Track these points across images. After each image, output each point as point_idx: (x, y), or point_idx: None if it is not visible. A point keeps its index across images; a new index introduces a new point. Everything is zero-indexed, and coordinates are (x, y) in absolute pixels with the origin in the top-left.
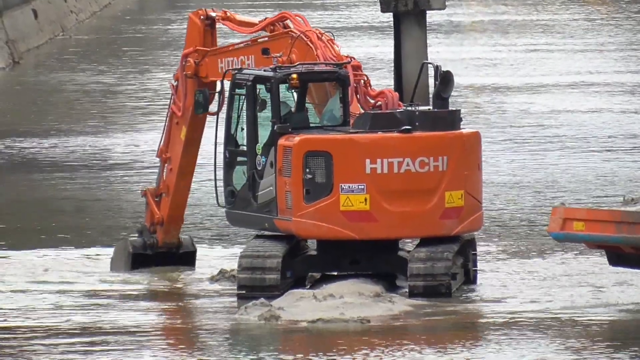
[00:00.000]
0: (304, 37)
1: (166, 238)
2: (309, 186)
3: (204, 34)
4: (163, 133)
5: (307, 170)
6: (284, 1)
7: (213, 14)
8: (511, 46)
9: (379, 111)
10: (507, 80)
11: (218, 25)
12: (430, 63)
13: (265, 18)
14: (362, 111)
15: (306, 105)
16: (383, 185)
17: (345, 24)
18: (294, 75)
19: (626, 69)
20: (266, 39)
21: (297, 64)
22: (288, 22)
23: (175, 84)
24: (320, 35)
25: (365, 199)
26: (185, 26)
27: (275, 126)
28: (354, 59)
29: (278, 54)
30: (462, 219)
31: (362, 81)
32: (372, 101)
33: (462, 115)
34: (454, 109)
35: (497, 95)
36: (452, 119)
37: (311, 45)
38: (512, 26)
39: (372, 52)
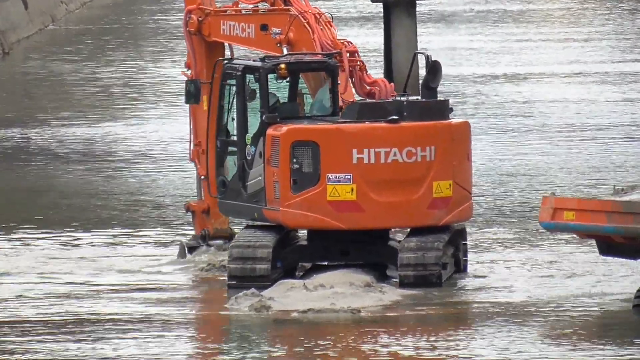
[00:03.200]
0: (301, 18)
1: (217, 224)
2: (296, 176)
3: None
4: (190, 136)
5: (294, 160)
6: None
7: None
8: (502, 35)
9: (367, 101)
10: (498, 70)
11: None
12: (421, 53)
13: None
14: (357, 98)
15: (304, 94)
16: (370, 175)
17: (335, 13)
18: (282, 65)
19: (614, 59)
20: (266, 11)
21: (286, 54)
22: None
23: (188, 72)
24: (318, 17)
25: (352, 189)
26: (176, 16)
27: (264, 116)
28: (351, 43)
29: (278, 30)
30: (450, 209)
31: (357, 66)
32: (368, 87)
33: (452, 106)
34: (442, 99)
35: (487, 85)
36: (441, 109)
37: (308, 28)
38: (503, 16)
39: (361, 42)
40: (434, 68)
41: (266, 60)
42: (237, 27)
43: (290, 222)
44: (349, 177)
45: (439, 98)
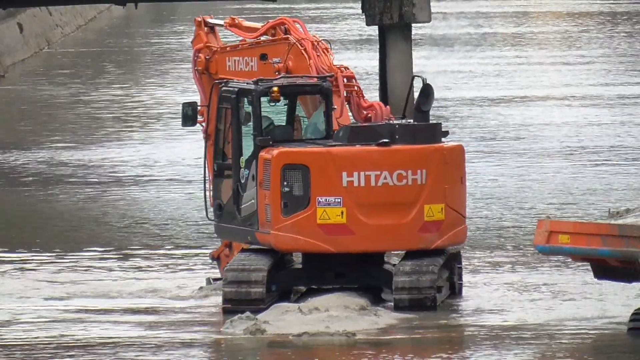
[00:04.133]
0: (299, 45)
1: None
2: (286, 199)
3: (208, 36)
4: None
5: (285, 183)
6: (270, 13)
7: (211, 21)
8: (497, 59)
9: (358, 124)
10: (493, 93)
11: (227, 31)
12: (419, 76)
13: (267, 22)
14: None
15: (302, 117)
16: (360, 199)
17: (331, 37)
18: (275, 88)
19: (609, 82)
20: (267, 42)
21: (280, 77)
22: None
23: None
24: (316, 44)
25: (342, 212)
26: (171, 40)
27: (256, 139)
28: (348, 68)
29: (277, 59)
30: (442, 233)
31: (354, 91)
32: (365, 112)
33: (448, 129)
34: (434, 122)
35: (482, 108)
36: (433, 132)
37: (305, 54)
38: (498, 39)
39: (357, 65)
40: (425, 91)
41: (259, 84)
42: (242, 62)
43: (280, 245)
44: (339, 200)
45: (431, 121)
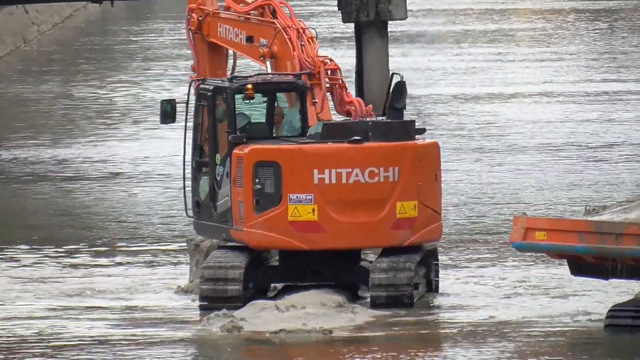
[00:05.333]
0: (284, 33)
1: None
2: (258, 196)
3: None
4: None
5: (257, 180)
6: None
7: None
8: (473, 56)
9: (331, 121)
10: (469, 90)
11: None
12: (397, 74)
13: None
14: (334, 118)
15: (286, 114)
16: (331, 196)
17: None
18: (249, 86)
19: (585, 79)
20: (256, 20)
21: (255, 74)
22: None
23: (194, 74)
24: (302, 32)
25: (313, 210)
26: (148, 38)
27: (230, 136)
28: (332, 61)
29: (264, 41)
30: (416, 230)
31: (337, 84)
32: (347, 106)
33: (425, 126)
34: (408, 119)
35: (458, 105)
36: (406, 130)
37: (289, 44)
38: (474, 36)
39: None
40: (399, 89)
41: (234, 81)
42: (232, 32)
43: (253, 242)
44: (310, 197)
45: (406, 118)
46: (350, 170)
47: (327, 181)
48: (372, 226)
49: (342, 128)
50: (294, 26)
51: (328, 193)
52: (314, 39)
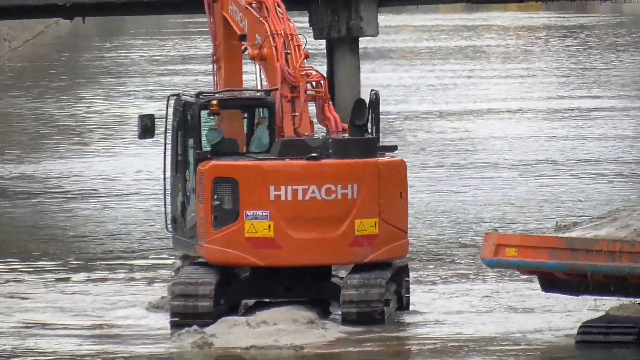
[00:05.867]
0: (271, 39)
1: None
2: (217, 212)
3: None
4: None
5: (216, 196)
6: None
7: None
8: (444, 72)
9: (291, 138)
10: (441, 107)
11: None
12: (374, 90)
13: None
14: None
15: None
16: (287, 213)
17: None
18: (214, 102)
19: (555, 95)
20: (252, 16)
21: (224, 90)
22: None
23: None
24: (289, 39)
25: (269, 226)
26: (119, 54)
27: (194, 152)
28: (317, 72)
29: (259, 39)
30: (376, 247)
31: (320, 96)
32: (325, 121)
33: (397, 144)
34: (369, 136)
35: (429, 121)
36: (368, 147)
37: (274, 52)
38: (446, 53)
39: None
40: (359, 106)
41: (201, 97)
42: (238, 15)
43: (211, 258)
44: (266, 214)
45: (368, 135)
46: (306, 187)
47: (283, 198)
48: (330, 243)
49: (301, 145)
50: (283, 32)
51: (284, 210)
52: (300, 47)
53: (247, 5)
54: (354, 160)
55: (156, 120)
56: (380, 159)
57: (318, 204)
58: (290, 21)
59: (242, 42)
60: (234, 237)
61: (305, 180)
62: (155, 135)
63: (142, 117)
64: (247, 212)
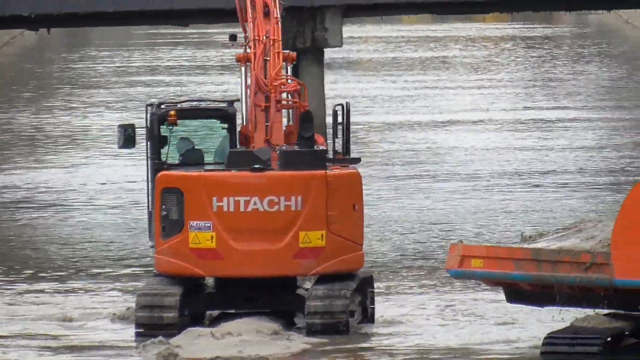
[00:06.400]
0: (253, 45)
1: None
2: (164, 222)
3: None
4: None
5: (164, 206)
6: (183, 38)
7: None
8: (409, 83)
9: (239, 149)
10: (405, 118)
11: None
12: (341, 104)
13: None
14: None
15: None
16: (229, 224)
17: None
18: (172, 112)
19: (523, 106)
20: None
21: (185, 101)
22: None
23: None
24: (270, 45)
25: (212, 237)
26: (84, 65)
27: (152, 162)
28: (295, 80)
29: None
30: (323, 259)
31: (296, 107)
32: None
33: (360, 155)
34: (318, 148)
35: (395, 132)
36: (317, 159)
37: (253, 59)
38: (410, 63)
39: None
40: (306, 118)
41: (162, 107)
42: (244, 2)
43: (160, 268)
44: (209, 224)
45: (318, 147)
46: (248, 198)
47: (225, 209)
48: (273, 255)
49: (248, 156)
50: (265, 37)
51: (226, 221)
52: (279, 54)
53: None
54: (299, 172)
55: (136, 129)
56: (330, 171)
57: (260, 215)
58: (278, 23)
59: (231, 42)
60: (179, 247)
61: (247, 192)
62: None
63: (123, 127)
64: (192, 223)
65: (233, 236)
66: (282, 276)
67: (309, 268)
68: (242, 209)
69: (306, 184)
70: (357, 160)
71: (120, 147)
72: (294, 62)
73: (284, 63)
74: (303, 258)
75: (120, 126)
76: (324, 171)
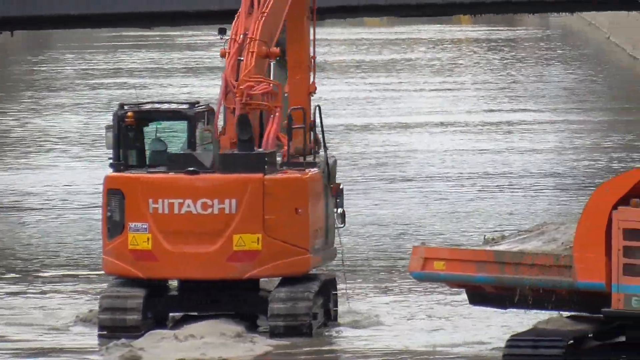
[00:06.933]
0: (229, 44)
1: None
2: (109, 224)
3: None
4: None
5: (109, 207)
6: (145, 40)
7: None
8: (370, 85)
9: (181, 152)
10: (368, 120)
11: None
12: (318, 106)
13: None
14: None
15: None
16: (164, 226)
17: (205, 64)
18: (129, 114)
19: (486, 108)
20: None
21: (146, 102)
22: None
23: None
24: (249, 43)
25: (148, 239)
26: (48, 67)
27: (109, 164)
28: (266, 81)
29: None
30: (259, 263)
31: (265, 108)
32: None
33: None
34: (258, 151)
35: (357, 135)
36: (257, 162)
37: (227, 58)
38: (373, 65)
39: None
40: (242, 121)
41: (125, 108)
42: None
43: (105, 269)
44: (145, 226)
45: (259, 151)
46: (182, 200)
47: (160, 211)
48: (206, 257)
49: (189, 158)
50: (242, 36)
51: (161, 223)
52: (253, 54)
53: None
54: (235, 175)
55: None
56: (269, 175)
57: (194, 218)
58: (262, 19)
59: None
60: (120, 248)
61: (181, 194)
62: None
63: (110, 128)
64: (130, 225)
65: (167, 238)
66: (217, 279)
67: (244, 271)
68: (176, 211)
69: (241, 188)
70: (314, 165)
71: (109, 148)
72: (278, 58)
73: (268, 60)
74: (237, 261)
75: (107, 127)
76: (261, 175)
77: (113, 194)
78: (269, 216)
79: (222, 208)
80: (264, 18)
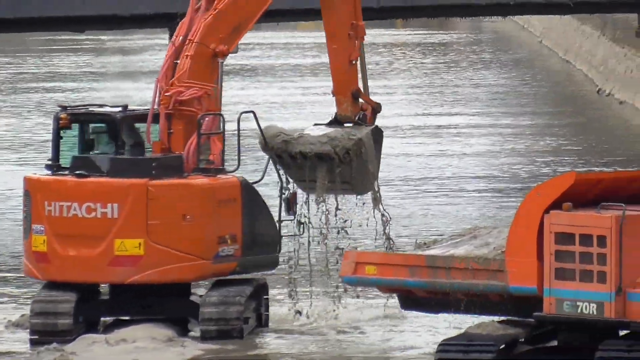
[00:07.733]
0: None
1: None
2: (25, 224)
3: None
4: None
5: (25, 208)
6: (78, 45)
7: None
8: (305, 89)
9: (83, 155)
10: (301, 124)
11: None
12: (251, 111)
13: None
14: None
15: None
16: (56, 228)
17: (140, 68)
18: (63, 115)
19: (420, 112)
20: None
21: (83, 105)
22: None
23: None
24: (188, 45)
25: (44, 241)
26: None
27: (45, 165)
28: (199, 87)
29: None
30: (141, 268)
31: (193, 114)
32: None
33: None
34: (146, 156)
35: None
36: (149, 166)
37: (165, 59)
38: (306, 69)
39: None
40: (128, 126)
41: (67, 109)
42: None
43: (24, 270)
44: (42, 228)
45: (155, 155)
46: (69, 204)
47: (53, 213)
48: (89, 261)
49: (88, 162)
50: (181, 38)
51: (54, 225)
52: (189, 56)
53: None
54: (118, 179)
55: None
56: (154, 181)
57: (79, 221)
58: (206, 20)
59: None
60: (27, 250)
61: (69, 197)
62: None
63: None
64: (33, 226)
65: (59, 241)
66: (99, 282)
67: (126, 276)
68: (65, 214)
69: (124, 192)
70: (221, 171)
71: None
72: (225, 57)
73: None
74: (118, 266)
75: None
76: (145, 180)
77: (26, 195)
78: (153, 221)
79: (105, 212)
80: (212, 17)
